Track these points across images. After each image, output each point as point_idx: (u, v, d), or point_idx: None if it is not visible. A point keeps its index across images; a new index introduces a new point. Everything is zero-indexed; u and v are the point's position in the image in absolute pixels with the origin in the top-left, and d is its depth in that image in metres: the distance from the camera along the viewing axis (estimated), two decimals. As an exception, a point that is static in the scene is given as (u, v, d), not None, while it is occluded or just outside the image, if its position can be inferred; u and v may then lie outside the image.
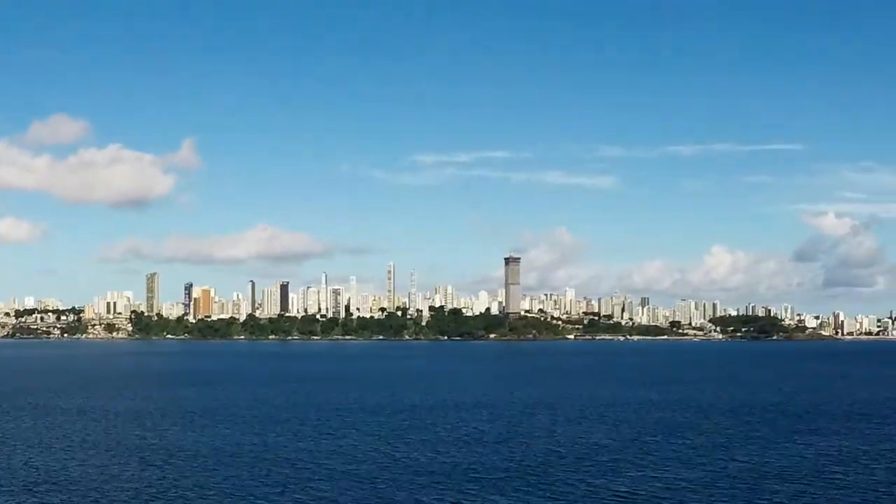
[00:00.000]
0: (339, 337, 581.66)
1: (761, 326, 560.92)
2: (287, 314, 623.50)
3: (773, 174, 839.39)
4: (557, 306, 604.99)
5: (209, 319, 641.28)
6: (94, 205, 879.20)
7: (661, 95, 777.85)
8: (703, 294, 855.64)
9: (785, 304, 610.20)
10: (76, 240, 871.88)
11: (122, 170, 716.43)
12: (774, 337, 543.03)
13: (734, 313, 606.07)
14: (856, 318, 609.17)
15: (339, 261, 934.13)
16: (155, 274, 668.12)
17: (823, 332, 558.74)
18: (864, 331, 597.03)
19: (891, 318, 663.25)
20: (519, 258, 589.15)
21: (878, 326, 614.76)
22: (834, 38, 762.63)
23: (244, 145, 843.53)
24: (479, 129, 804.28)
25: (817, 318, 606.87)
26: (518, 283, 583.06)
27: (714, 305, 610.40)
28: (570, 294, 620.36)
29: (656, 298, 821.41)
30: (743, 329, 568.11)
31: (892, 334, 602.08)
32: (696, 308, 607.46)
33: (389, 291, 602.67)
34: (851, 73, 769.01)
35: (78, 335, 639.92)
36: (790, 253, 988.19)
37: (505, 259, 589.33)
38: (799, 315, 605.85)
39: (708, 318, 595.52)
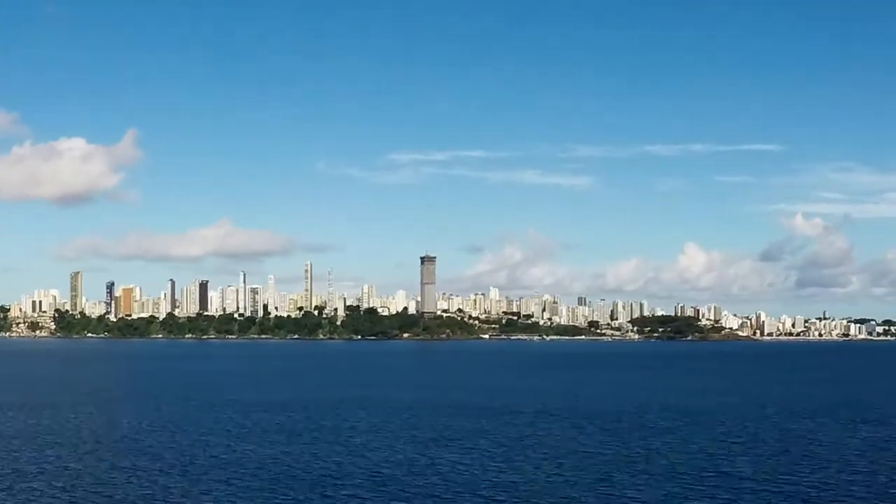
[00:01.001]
0: (256, 336, 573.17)
1: (677, 327, 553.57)
2: (206, 313, 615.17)
3: (750, 174, 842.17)
4: (477, 306, 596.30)
5: (129, 318, 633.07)
6: (34, 201, 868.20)
7: (637, 95, 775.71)
8: (677, 294, 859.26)
9: (710, 304, 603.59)
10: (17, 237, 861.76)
11: (63, 164, 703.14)
12: (689, 338, 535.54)
13: (662, 313, 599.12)
14: (779, 319, 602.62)
15: (298, 258, 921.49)
16: (79, 272, 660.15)
17: (740, 333, 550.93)
18: (785, 331, 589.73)
19: (823, 318, 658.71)
20: (434, 258, 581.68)
21: (805, 327, 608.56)
22: (810, 39, 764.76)
23: (199, 141, 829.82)
24: (456, 128, 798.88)
25: (743, 318, 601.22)
26: (433, 283, 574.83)
27: (641, 305, 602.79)
28: (494, 293, 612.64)
29: (628, 297, 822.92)
30: (660, 329, 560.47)
31: (814, 335, 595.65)
32: (624, 308, 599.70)
33: (307, 290, 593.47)
34: (828, 74, 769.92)
35: (4, 333, 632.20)
36: (764, 253, 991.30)
37: (420, 258, 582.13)
38: (727, 315, 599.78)
39: (628, 319, 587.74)
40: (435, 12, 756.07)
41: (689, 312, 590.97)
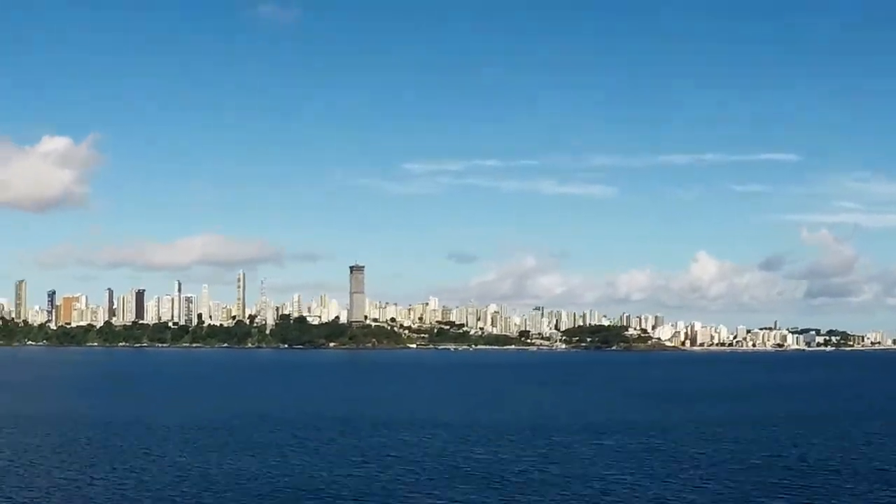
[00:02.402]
0: (188, 345, 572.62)
1: (604, 337, 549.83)
2: (141, 321, 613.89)
3: (766, 183, 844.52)
4: (410, 315, 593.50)
5: (68, 326, 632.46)
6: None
7: (652, 105, 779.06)
8: (689, 303, 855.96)
9: (648, 314, 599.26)
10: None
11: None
12: (614, 347, 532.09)
13: (598, 322, 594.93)
14: (714, 329, 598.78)
15: (289, 267, 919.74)
16: (23, 281, 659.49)
17: (667, 343, 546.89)
18: (719, 342, 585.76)
19: (773, 327, 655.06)
20: (363, 266, 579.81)
21: (738, 339, 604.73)
22: (826, 48, 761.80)
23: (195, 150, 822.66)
24: (470, 138, 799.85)
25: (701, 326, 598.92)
26: (362, 292, 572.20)
27: (574, 315, 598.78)
28: (434, 303, 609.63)
29: (633, 307, 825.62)
30: (588, 339, 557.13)
31: (749, 346, 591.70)
32: (552, 317, 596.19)
33: (239, 299, 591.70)
34: (845, 83, 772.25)
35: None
36: (778, 263, 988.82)
37: (350, 268, 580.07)
38: (664, 325, 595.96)
39: (564, 329, 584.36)
40: (449, 21, 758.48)
41: (634, 323, 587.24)
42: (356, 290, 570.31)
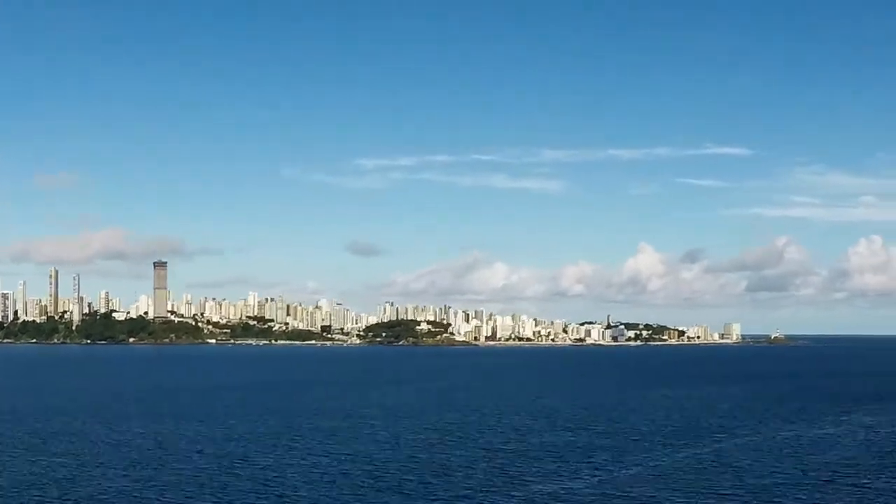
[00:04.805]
0: (1, 340, 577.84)
1: (396, 333, 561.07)
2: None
3: (719, 178, 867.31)
4: (220, 310, 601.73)
5: None
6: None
7: (602, 99, 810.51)
8: (622, 297, 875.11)
9: (458, 308, 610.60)
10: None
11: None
12: (402, 342, 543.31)
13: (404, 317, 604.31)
14: (521, 322, 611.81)
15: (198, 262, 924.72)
16: None
17: (456, 338, 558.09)
18: (516, 336, 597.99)
19: (590, 323, 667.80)
20: (166, 262, 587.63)
21: (550, 331, 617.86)
22: (773, 40, 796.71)
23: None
24: (422, 133, 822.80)
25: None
26: (165, 288, 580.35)
27: (384, 308, 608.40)
28: (252, 297, 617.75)
29: (574, 302, 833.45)
30: (383, 334, 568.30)
31: (554, 341, 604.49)
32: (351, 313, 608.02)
33: (51, 296, 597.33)
34: (795, 75, 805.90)
35: None
36: (722, 256, 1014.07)
37: (153, 263, 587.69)
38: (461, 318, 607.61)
39: (365, 325, 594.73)
40: (400, 16, 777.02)
41: (431, 315, 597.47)
42: (159, 285, 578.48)
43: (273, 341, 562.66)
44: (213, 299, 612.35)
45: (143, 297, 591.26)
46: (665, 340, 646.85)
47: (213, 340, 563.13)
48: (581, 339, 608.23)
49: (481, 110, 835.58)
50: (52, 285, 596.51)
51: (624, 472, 68.69)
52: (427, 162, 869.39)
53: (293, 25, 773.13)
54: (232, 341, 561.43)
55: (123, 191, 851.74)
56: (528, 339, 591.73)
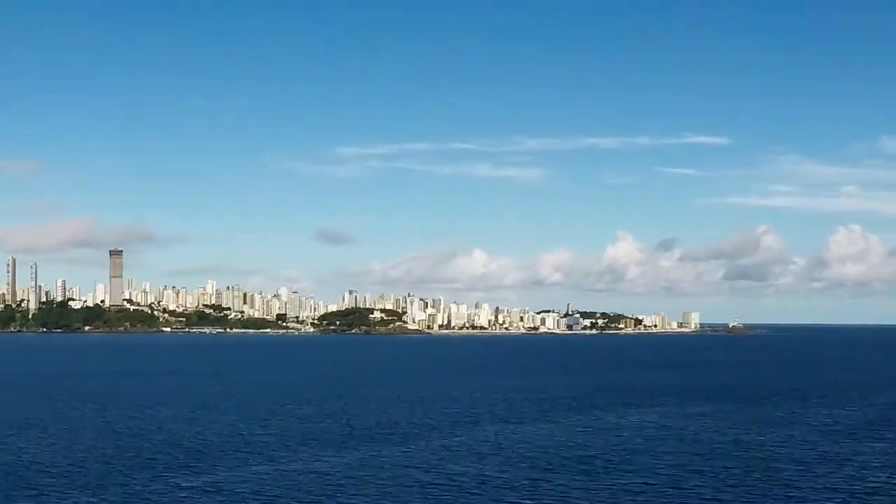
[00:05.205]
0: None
1: (350, 321, 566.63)
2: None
3: (698, 167, 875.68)
4: (177, 298, 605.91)
5: None
6: None
7: (582, 86, 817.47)
8: (600, 285, 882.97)
9: (416, 297, 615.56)
10: None
11: None
12: (354, 331, 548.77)
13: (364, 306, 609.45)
14: (474, 311, 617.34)
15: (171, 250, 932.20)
16: None
17: (409, 326, 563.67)
18: (471, 324, 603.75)
19: (552, 311, 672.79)
20: (121, 251, 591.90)
21: (503, 321, 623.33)
22: (752, 31, 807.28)
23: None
24: (401, 121, 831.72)
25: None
26: (120, 277, 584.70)
27: (344, 296, 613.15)
28: (211, 286, 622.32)
29: (553, 291, 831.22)
30: (337, 322, 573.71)
31: (508, 330, 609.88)
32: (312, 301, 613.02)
33: (8, 284, 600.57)
34: (774, 64, 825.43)
35: None
36: (701, 245, 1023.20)
37: (109, 252, 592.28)
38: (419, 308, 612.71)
39: (320, 313, 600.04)
40: (379, 5, 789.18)
41: (391, 304, 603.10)
42: (114, 274, 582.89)
43: (228, 329, 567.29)
44: (172, 288, 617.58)
45: (100, 286, 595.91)
46: (621, 329, 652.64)
47: (169, 329, 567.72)
48: (535, 328, 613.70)
49: (460, 99, 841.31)
50: (10, 274, 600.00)
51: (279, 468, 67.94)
52: (406, 150, 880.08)
53: (270, 14, 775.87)
54: (187, 329, 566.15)
55: (94, 179, 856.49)
56: (483, 328, 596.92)
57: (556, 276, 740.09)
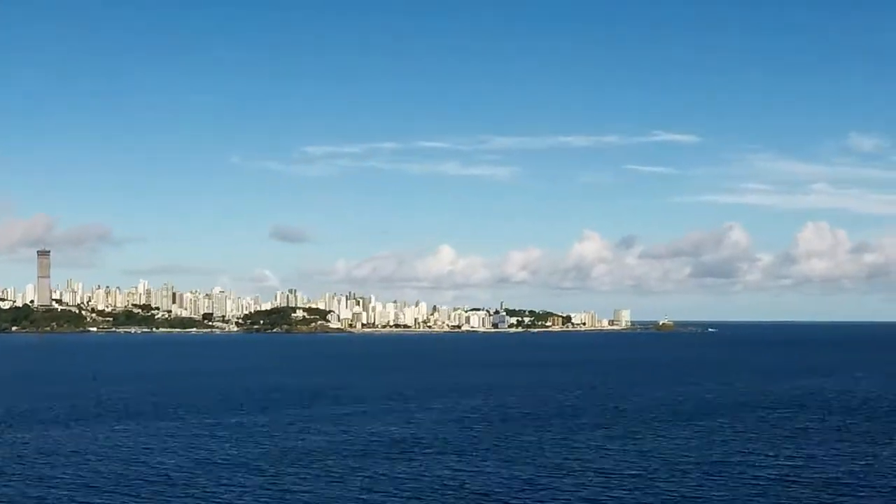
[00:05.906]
0: None
1: (273, 320, 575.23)
2: None
3: (669, 165, 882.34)
4: (107, 298, 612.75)
5: None
6: None
7: (552, 85, 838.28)
8: (567, 283, 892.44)
9: (350, 294, 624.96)
10: None
11: None
12: (276, 330, 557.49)
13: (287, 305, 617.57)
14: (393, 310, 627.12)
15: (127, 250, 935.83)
16: None
17: (331, 325, 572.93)
18: (395, 323, 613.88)
19: (481, 309, 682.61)
20: (49, 251, 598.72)
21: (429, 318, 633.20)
22: (723, 29, 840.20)
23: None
24: (369, 121, 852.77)
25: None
26: (48, 277, 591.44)
27: (276, 295, 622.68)
28: (143, 285, 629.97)
29: (520, 289, 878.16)
30: (261, 322, 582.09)
31: (431, 328, 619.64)
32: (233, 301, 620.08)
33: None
34: (745, 62, 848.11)
35: None
36: (660, 244, 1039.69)
37: (37, 252, 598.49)
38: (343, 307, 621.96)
39: (244, 312, 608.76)
40: (349, 5, 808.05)
41: (323, 304, 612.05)
42: (42, 274, 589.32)
43: (154, 329, 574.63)
44: (105, 287, 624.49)
45: (29, 286, 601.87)
46: (548, 327, 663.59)
47: (95, 329, 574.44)
48: (458, 326, 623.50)
49: (429, 97, 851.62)
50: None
51: None
52: (374, 149, 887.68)
53: (239, 12, 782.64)
54: (113, 329, 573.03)
55: (52, 178, 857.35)
56: (407, 326, 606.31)
57: (523, 275, 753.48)
